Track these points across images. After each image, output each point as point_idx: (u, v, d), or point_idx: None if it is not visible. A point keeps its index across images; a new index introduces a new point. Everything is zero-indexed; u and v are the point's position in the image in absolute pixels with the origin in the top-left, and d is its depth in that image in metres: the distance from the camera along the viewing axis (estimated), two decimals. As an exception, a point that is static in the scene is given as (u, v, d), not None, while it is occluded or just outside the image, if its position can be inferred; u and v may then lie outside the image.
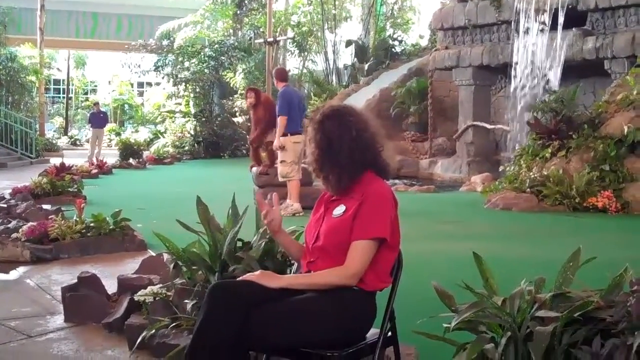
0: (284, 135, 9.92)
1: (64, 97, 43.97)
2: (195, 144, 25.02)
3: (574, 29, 14.00)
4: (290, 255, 3.27)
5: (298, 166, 9.94)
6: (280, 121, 9.97)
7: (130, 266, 6.08)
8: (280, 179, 9.98)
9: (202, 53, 25.65)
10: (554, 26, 14.34)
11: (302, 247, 3.20)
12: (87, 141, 30.10)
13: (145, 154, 22.92)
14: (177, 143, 25.27)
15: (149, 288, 4.29)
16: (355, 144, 2.93)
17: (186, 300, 3.99)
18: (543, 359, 2.86)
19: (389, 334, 2.94)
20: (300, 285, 2.85)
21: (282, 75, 10.81)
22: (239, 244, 4.19)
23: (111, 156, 22.01)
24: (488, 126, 16.65)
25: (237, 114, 25.25)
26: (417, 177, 17.27)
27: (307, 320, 2.73)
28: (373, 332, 2.89)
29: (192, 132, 25.45)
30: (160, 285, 4.39)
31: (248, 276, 2.89)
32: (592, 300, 2.88)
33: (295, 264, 3.24)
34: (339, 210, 2.95)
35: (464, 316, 3.09)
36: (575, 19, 14.06)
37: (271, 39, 21.54)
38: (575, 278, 3.14)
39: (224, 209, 4.43)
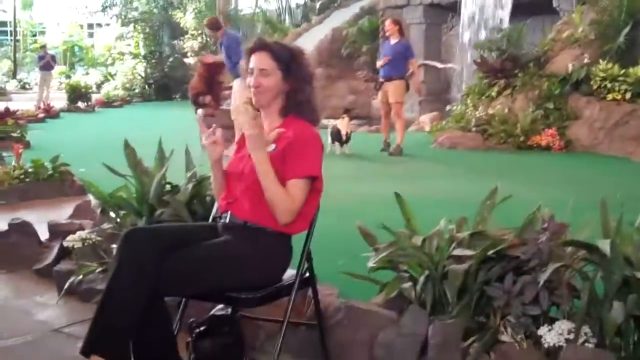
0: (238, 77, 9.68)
1: (11, 40, 42.81)
2: (146, 86, 24.68)
3: (523, -34, 13.94)
4: (215, 190, 3.17)
5: None
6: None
7: (67, 211, 5.97)
8: (233, 117, 9.78)
9: (150, -8, 25.12)
10: (503, -37, 14.26)
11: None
12: (37, 84, 29.45)
13: (95, 96, 22.52)
14: (128, 85, 24.88)
15: (78, 233, 4.23)
16: (314, 91, 3.01)
17: (113, 245, 3.95)
18: (458, 297, 2.92)
19: (307, 275, 2.93)
20: (264, 176, 2.74)
21: (217, 23, 10.64)
22: (168, 187, 4.15)
23: (60, 100, 21.57)
24: (439, 65, 16.61)
25: (189, 54, 24.86)
26: (368, 116, 17.23)
27: (222, 264, 2.71)
28: (290, 274, 2.88)
29: (142, 74, 25.05)
30: (90, 230, 4.34)
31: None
32: (505, 239, 2.91)
33: (216, 205, 3.19)
34: (269, 148, 2.90)
35: (382, 255, 3.12)
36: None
37: (221, -22, 21.13)
38: (514, 216, 3.15)
39: (168, 152, 4.40)
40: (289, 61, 2.93)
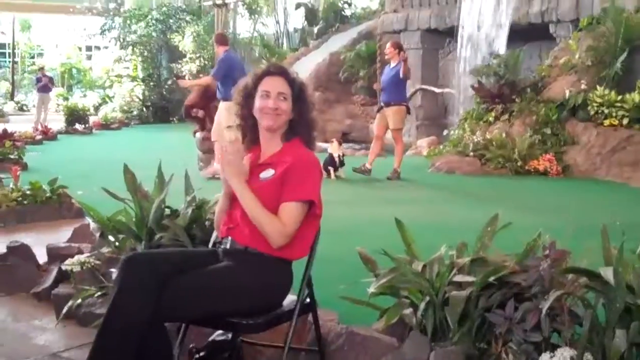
0: (225, 99, 9.64)
1: (9, 62, 42.88)
2: (144, 109, 24.73)
3: (519, -8, 14.05)
4: (216, 218, 3.17)
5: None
6: (205, 80, 10.94)
7: (66, 234, 5.96)
8: (213, 139, 9.97)
9: (149, 16, 25.19)
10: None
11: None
12: (35, 106, 29.45)
13: (93, 119, 22.54)
14: (125, 108, 24.92)
15: (76, 257, 4.23)
16: (315, 120, 3.10)
17: (112, 269, 3.94)
18: (459, 323, 2.91)
19: (307, 300, 2.93)
20: (246, 204, 2.80)
21: (223, 39, 10.78)
22: (167, 211, 4.15)
23: (58, 122, 21.58)
24: (436, 90, 16.70)
25: (186, 78, 24.91)
26: (366, 141, 17.26)
27: (223, 290, 2.71)
28: (291, 300, 2.88)
29: (140, 96, 25.12)
30: (89, 254, 4.33)
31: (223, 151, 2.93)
32: (506, 265, 2.91)
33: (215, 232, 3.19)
34: (268, 173, 2.91)
35: (383, 281, 3.12)
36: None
37: (220, 2, 21.18)
38: (512, 242, 3.14)
39: (166, 175, 4.41)
40: (299, 89, 2.98)
